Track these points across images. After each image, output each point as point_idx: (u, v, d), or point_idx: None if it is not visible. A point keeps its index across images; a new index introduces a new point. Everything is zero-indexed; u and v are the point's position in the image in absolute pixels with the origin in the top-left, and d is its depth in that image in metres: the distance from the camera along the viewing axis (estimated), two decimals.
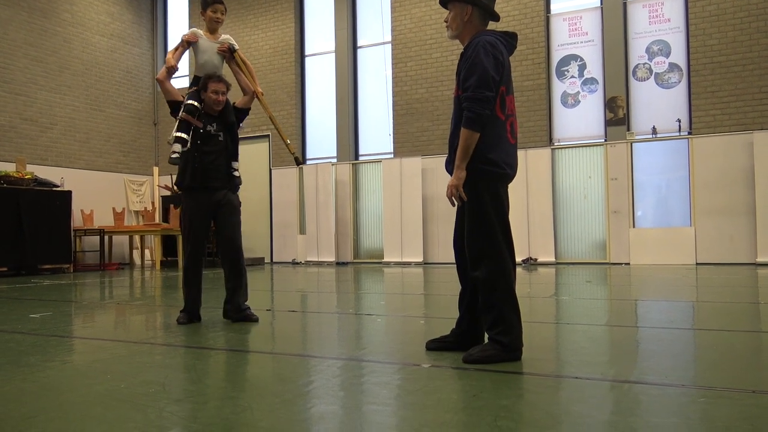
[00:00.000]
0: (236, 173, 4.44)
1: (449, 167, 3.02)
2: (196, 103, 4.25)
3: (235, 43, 4.65)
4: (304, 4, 13.91)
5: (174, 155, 4.15)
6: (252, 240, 13.86)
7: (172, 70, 4.37)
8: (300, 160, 4.90)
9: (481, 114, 2.81)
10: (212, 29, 4.55)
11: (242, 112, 4.56)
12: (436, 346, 3.20)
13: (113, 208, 12.87)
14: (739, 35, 10.15)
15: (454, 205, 3.04)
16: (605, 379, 2.54)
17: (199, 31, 4.53)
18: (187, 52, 4.62)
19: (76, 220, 12.11)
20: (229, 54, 4.56)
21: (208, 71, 4.39)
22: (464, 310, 3.20)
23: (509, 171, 2.97)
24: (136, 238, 13.49)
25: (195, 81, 4.46)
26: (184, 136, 4.16)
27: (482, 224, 2.91)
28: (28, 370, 2.87)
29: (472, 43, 2.94)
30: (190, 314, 4.27)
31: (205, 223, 4.30)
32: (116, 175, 14.07)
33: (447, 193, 2.97)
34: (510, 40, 3.04)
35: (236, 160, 4.46)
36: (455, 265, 3.29)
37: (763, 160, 9.76)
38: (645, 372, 2.67)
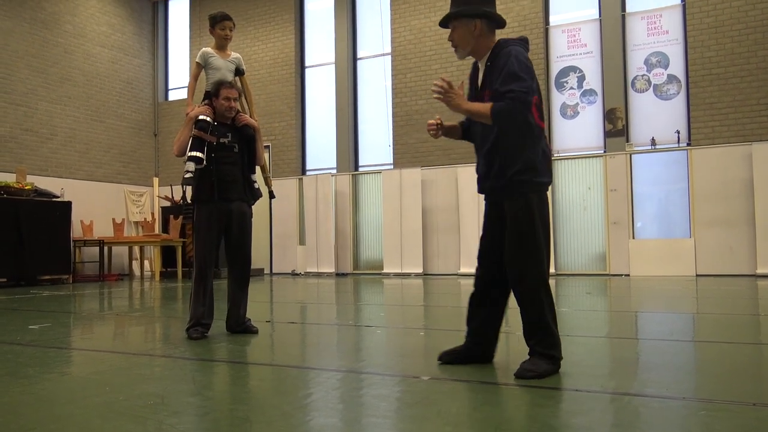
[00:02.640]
0: (255, 185, 4.39)
1: (485, 184, 3.00)
2: (208, 118, 4.17)
3: (243, 65, 4.64)
4: (305, 16, 13.98)
5: (188, 175, 4.06)
6: (251, 251, 13.85)
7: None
8: (274, 195, 4.80)
9: (516, 115, 2.79)
10: (221, 46, 4.53)
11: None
12: (448, 359, 3.09)
13: (113, 219, 12.87)
14: (737, 47, 10.20)
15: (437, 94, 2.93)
16: (605, 392, 2.53)
17: (209, 50, 4.50)
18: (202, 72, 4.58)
19: (76, 231, 12.10)
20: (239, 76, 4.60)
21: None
22: (481, 324, 3.07)
23: (551, 180, 2.99)
24: (136, 248, 13.48)
25: (207, 96, 4.42)
26: (198, 154, 4.07)
27: (531, 241, 2.85)
28: (27, 381, 2.86)
29: (502, 54, 2.92)
30: (204, 327, 4.12)
31: (218, 234, 4.22)
32: (116, 185, 14.08)
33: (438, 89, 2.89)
34: (527, 45, 3.07)
35: (254, 171, 4.41)
36: (476, 276, 3.10)
37: (761, 171, 9.78)
38: (645, 384, 2.67)
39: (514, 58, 2.87)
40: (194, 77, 4.52)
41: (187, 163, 4.07)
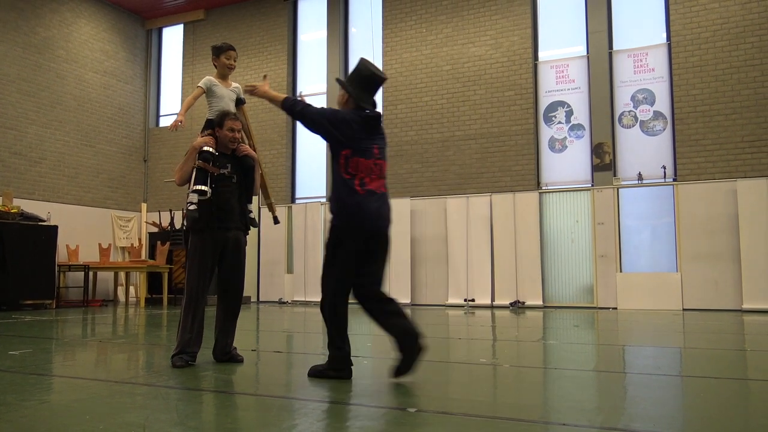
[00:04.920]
0: (251, 215, 4.40)
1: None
2: (211, 149, 4.17)
3: (243, 94, 4.63)
4: (297, 47, 14.15)
5: (192, 207, 4.04)
6: (244, 281, 13.75)
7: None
8: (278, 220, 5.03)
9: (293, 114, 3.86)
10: (224, 75, 4.55)
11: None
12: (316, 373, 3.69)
13: (99, 244, 12.76)
14: (721, 86, 10.43)
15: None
16: (593, 426, 2.52)
17: (213, 78, 4.51)
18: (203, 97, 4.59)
19: (61, 255, 11.98)
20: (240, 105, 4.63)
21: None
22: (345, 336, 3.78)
23: (355, 224, 3.64)
24: (122, 274, 13.35)
25: (208, 124, 4.41)
26: (202, 188, 4.07)
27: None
28: (5, 409, 2.80)
29: None
30: (190, 356, 4.07)
31: (212, 263, 4.19)
32: (104, 210, 14.00)
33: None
34: (369, 120, 3.73)
35: (250, 201, 4.42)
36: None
37: (746, 207, 9.91)
38: (632, 419, 2.66)
39: (336, 110, 3.83)
40: (194, 98, 4.49)
41: (191, 195, 4.06)
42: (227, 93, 4.53)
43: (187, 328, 4.08)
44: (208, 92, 4.48)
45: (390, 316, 3.68)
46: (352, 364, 3.70)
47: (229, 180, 4.23)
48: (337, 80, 3.99)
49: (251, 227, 4.42)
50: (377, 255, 3.76)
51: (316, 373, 3.67)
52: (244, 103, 4.68)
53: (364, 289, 3.75)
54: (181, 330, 4.10)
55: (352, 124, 3.67)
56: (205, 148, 4.17)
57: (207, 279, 4.17)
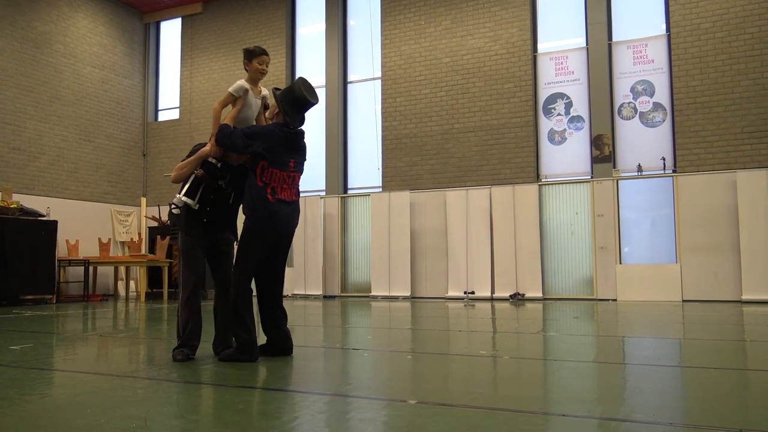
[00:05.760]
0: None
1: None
2: (216, 162, 4.15)
3: (269, 100, 4.50)
4: (296, 40, 14.11)
5: (176, 211, 4.07)
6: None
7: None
8: None
9: (222, 137, 4.07)
10: (255, 80, 4.36)
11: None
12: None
13: (99, 239, 12.76)
14: (721, 77, 10.40)
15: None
16: (593, 417, 2.52)
17: (246, 84, 4.32)
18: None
19: (61, 250, 11.98)
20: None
21: (241, 126, 4.24)
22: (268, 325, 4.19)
23: (265, 228, 4.03)
24: (122, 269, 13.36)
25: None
26: (189, 201, 4.08)
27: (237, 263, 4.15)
28: (7, 403, 2.81)
29: None
30: (191, 350, 4.10)
31: (204, 257, 4.23)
32: (103, 205, 13.99)
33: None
34: (290, 136, 4.09)
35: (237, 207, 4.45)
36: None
37: (746, 198, 9.90)
38: (632, 410, 2.66)
39: (254, 126, 4.22)
40: (222, 105, 4.30)
41: (177, 197, 4.08)
42: (255, 102, 4.36)
43: (186, 322, 4.10)
44: (238, 98, 4.29)
45: (272, 322, 4.19)
46: (257, 350, 4.08)
47: (225, 192, 4.25)
48: (274, 90, 4.20)
49: (235, 239, 4.44)
50: (281, 255, 4.22)
51: (226, 357, 4.01)
52: (268, 108, 4.53)
53: (259, 288, 4.23)
54: (181, 325, 4.12)
55: (273, 137, 4.02)
56: (211, 160, 4.13)
57: (201, 273, 4.20)
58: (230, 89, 4.30)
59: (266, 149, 3.99)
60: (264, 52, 4.38)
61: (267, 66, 4.40)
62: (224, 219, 4.31)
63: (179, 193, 4.12)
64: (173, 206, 4.10)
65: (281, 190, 4.06)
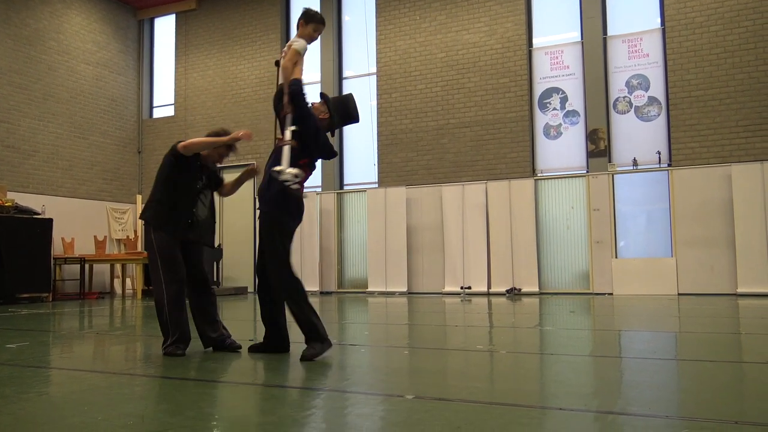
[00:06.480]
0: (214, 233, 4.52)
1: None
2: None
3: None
4: (290, 35, 14.06)
5: (296, 186, 3.81)
6: (235, 269, 13.76)
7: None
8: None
9: (299, 97, 3.94)
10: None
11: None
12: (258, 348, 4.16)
13: (95, 236, 12.73)
14: (716, 71, 10.42)
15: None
16: (589, 411, 2.53)
17: (306, 43, 4.13)
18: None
19: (57, 248, 11.95)
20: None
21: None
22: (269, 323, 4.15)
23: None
24: (118, 266, 13.33)
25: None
26: (300, 172, 3.80)
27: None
28: (3, 401, 2.80)
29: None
30: (186, 342, 4.13)
31: (179, 253, 4.22)
32: (99, 203, 13.95)
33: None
34: (327, 147, 4.14)
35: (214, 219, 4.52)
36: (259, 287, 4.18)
37: (741, 192, 9.93)
38: (629, 403, 2.67)
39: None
40: (294, 63, 4.03)
41: (289, 171, 3.73)
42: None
43: (174, 319, 4.12)
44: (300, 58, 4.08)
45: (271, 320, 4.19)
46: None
47: (205, 193, 4.30)
48: (323, 95, 4.20)
49: (210, 244, 4.45)
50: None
51: (310, 356, 3.83)
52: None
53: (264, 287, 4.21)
54: (171, 321, 4.11)
55: (322, 134, 4.06)
56: (293, 128, 3.91)
57: (183, 269, 4.19)
58: (296, 47, 4.07)
59: (316, 141, 3.99)
60: (324, 23, 4.24)
61: (318, 36, 4.28)
62: (201, 230, 4.31)
63: (281, 166, 3.74)
64: (288, 181, 3.73)
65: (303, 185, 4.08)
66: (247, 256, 13.60)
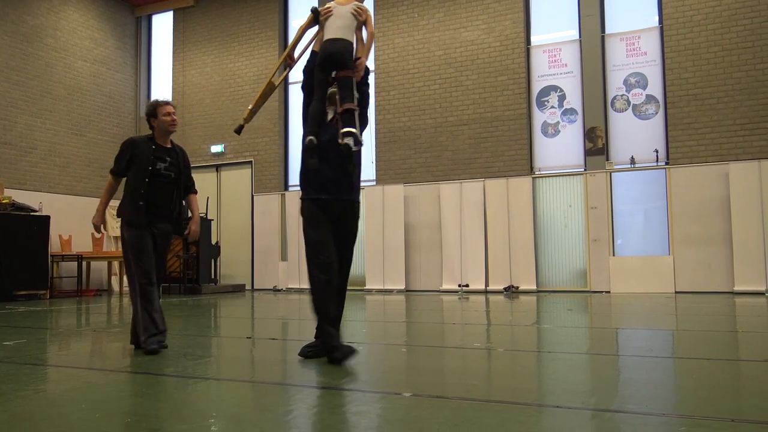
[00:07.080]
0: (186, 215, 4.44)
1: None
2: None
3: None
4: (288, 32, 14.04)
5: (356, 146, 3.77)
6: (233, 266, 13.75)
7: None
8: (240, 128, 4.34)
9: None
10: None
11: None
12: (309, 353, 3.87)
13: (92, 234, 12.69)
14: (713, 69, 10.43)
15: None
16: (586, 408, 2.54)
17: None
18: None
19: (54, 246, 11.92)
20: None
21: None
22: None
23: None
24: (115, 264, 13.30)
25: (313, 58, 4.22)
26: (353, 130, 3.71)
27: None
28: (1, 399, 2.80)
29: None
30: (162, 336, 4.15)
31: (150, 249, 4.23)
32: (96, 200, 13.83)
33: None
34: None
35: (184, 198, 4.45)
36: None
37: (738, 190, 9.95)
38: (626, 401, 2.68)
39: None
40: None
41: (356, 132, 3.73)
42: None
43: (148, 312, 4.12)
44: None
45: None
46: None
47: (167, 177, 4.28)
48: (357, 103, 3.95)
49: (181, 230, 4.45)
50: None
51: (342, 357, 3.63)
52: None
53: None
54: (143, 317, 4.12)
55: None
56: (332, 89, 3.99)
57: (153, 263, 4.21)
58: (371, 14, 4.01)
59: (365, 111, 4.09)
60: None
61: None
62: (167, 213, 4.32)
63: (346, 128, 3.70)
64: (354, 142, 3.67)
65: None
66: (245, 254, 13.59)
